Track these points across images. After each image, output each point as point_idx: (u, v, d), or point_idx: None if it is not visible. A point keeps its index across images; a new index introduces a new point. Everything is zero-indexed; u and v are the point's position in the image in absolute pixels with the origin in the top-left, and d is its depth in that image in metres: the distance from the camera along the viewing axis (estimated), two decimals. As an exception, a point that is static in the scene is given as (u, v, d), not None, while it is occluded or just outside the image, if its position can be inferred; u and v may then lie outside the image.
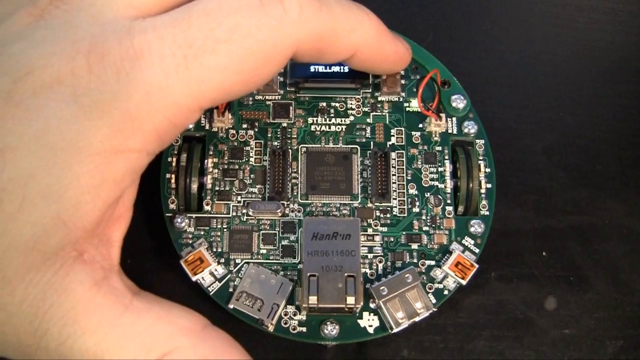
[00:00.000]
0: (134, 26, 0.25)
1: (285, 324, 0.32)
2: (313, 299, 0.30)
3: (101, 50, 0.24)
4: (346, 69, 0.35)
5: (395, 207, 0.33)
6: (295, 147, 0.34)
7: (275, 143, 0.34)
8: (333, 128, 0.35)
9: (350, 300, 0.30)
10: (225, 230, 0.33)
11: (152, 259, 0.33)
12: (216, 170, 0.34)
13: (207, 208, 0.33)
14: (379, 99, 0.35)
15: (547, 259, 0.35)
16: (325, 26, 0.28)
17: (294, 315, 0.32)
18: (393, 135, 0.35)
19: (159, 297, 0.27)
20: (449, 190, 0.34)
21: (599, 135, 0.37)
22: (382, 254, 0.33)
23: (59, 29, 0.25)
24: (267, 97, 0.35)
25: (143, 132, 0.25)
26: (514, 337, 0.33)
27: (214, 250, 0.32)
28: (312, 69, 0.35)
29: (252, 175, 0.34)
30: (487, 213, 0.34)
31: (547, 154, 0.37)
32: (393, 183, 0.34)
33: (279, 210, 0.33)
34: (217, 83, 0.26)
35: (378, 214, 0.33)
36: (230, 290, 0.32)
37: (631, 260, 0.35)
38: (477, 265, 0.32)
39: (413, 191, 0.34)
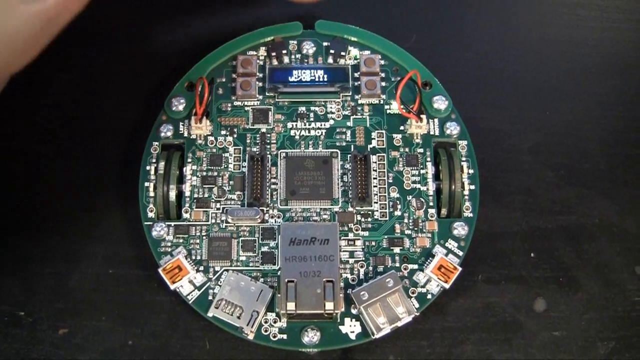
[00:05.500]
0: None
1: (266, 331, 0.31)
2: (291, 305, 0.30)
3: None
4: (326, 74, 0.35)
5: (377, 210, 0.33)
6: (275, 153, 0.34)
7: (255, 149, 0.34)
8: (313, 132, 0.34)
9: (329, 305, 0.30)
10: (204, 237, 0.32)
11: (132, 268, 0.33)
12: (195, 178, 0.33)
13: (186, 216, 0.33)
14: (359, 102, 0.35)
15: (535, 260, 0.34)
16: None
17: (274, 322, 0.31)
18: (374, 138, 0.34)
19: None
20: (431, 193, 0.33)
21: (586, 134, 0.37)
22: (363, 258, 0.32)
23: None
24: (246, 103, 0.35)
25: None
26: (502, 340, 0.33)
27: (193, 258, 0.32)
28: (291, 74, 0.35)
29: (231, 182, 0.33)
30: (471, 215, 0.33)
31: (533, 154, 0.36)
32: (374, 186, 0.33)
33: (258, 217, 0.32)
34: None
35: (359, 218, 0.33)
36: (210, 298, 0.31)
37: (622, 260, 0.34)
38: (460, 268, 0.32)
39: (394, 194, 0.33)
